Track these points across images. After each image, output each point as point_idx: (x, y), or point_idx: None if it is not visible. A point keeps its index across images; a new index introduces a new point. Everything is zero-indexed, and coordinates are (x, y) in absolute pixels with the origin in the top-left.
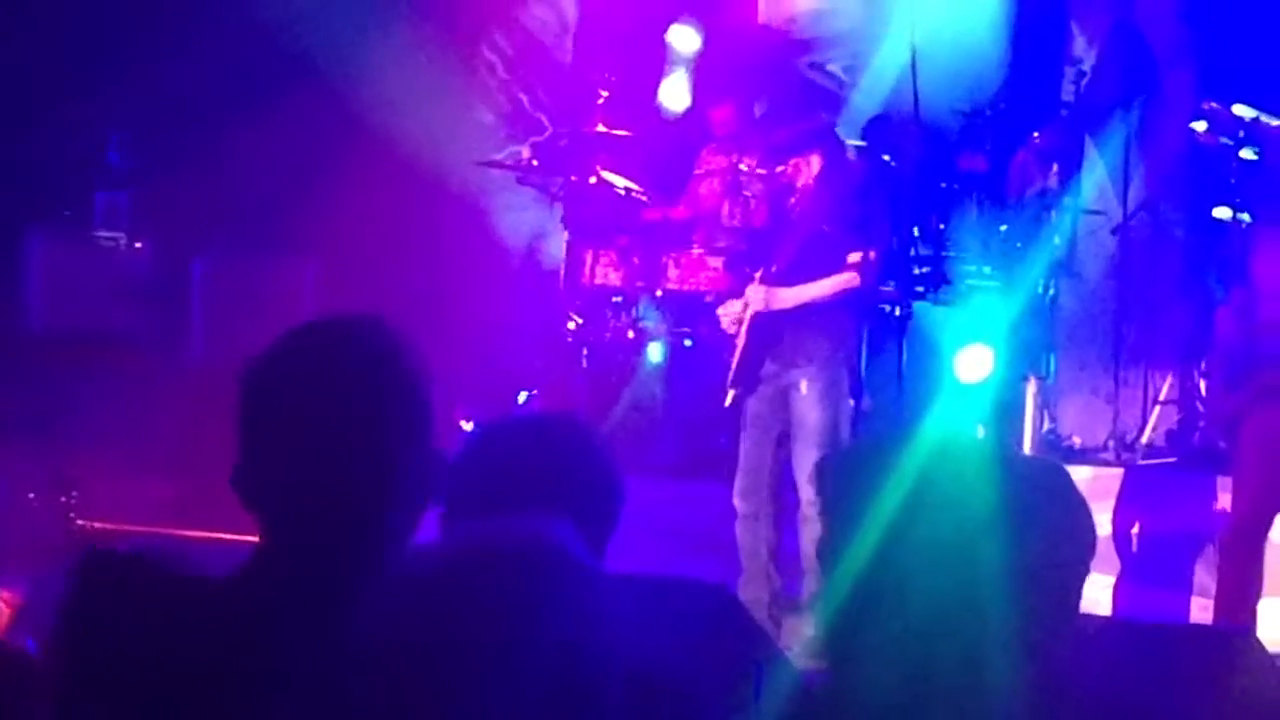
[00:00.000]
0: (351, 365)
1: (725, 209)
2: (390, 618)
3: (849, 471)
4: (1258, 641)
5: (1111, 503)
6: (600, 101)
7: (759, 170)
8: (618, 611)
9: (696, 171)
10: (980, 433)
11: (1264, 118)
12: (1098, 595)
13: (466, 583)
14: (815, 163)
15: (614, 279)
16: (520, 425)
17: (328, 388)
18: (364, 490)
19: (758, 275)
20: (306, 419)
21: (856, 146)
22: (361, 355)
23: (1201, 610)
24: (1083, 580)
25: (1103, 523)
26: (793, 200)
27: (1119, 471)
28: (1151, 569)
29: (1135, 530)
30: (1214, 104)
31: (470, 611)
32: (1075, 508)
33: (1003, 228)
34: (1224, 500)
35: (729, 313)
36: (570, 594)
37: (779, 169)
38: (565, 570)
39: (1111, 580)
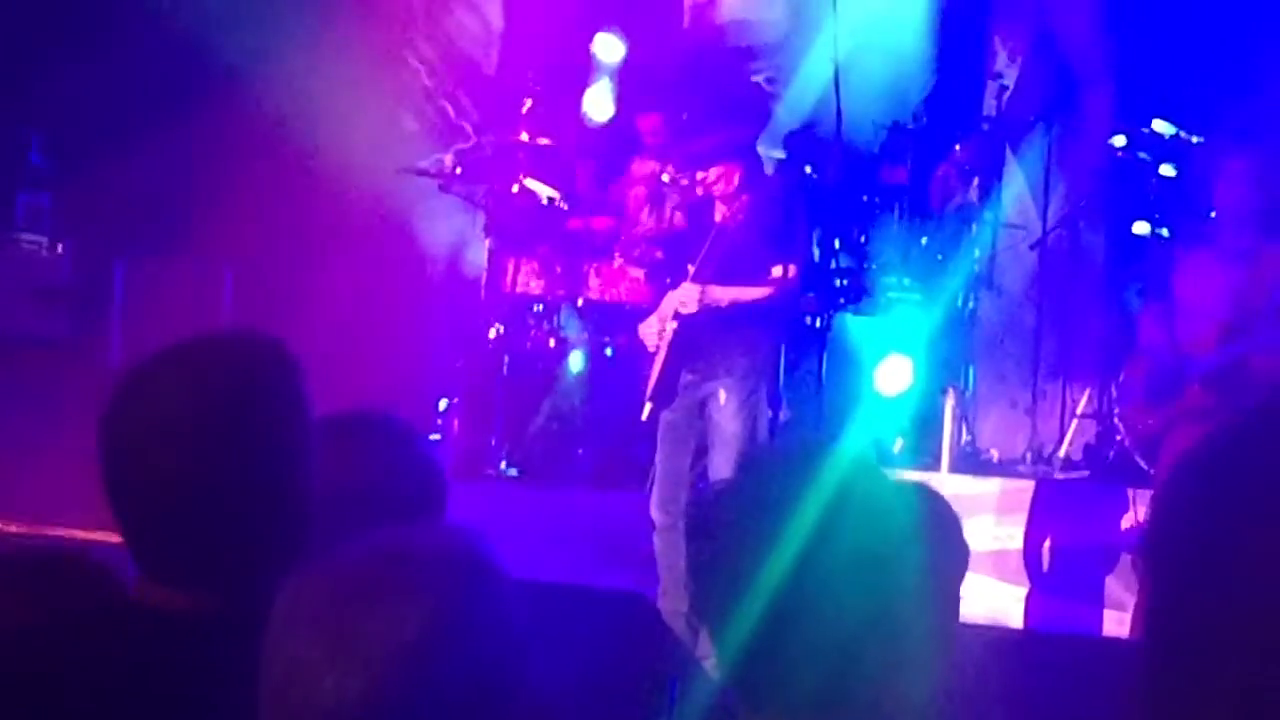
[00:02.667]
0: (201, 393)
1: (647, 219)
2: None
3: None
4: None
5: (1024, 515)
6: (524, 110)
7: (680, 180)
8: (530, 619)
9: (620, 181)
10: (899, 445)
11: (1182, 134)
12: (1009, 607)
13: (376, 585)
14: (734, 174)
15: (535, 287)
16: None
17: (174, 417)
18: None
19: (690, 271)
20: (150, 454)
21: (778, 158)
22: (200, 381)
23: (1116, 624)
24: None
25: (1015, 535)
26: (713, 210)
27: (1030, 484)
28: (1064, 582)
29: (1048, 543)
30: (1132, 121)
31: (381, 615)
32: (956, 524)
33: (923, 240)
34: (1138, 514)
35: (649, 332)
36: (485, 599)
37: (700, 177)
38: (480, 575)
39: (1024, 593)
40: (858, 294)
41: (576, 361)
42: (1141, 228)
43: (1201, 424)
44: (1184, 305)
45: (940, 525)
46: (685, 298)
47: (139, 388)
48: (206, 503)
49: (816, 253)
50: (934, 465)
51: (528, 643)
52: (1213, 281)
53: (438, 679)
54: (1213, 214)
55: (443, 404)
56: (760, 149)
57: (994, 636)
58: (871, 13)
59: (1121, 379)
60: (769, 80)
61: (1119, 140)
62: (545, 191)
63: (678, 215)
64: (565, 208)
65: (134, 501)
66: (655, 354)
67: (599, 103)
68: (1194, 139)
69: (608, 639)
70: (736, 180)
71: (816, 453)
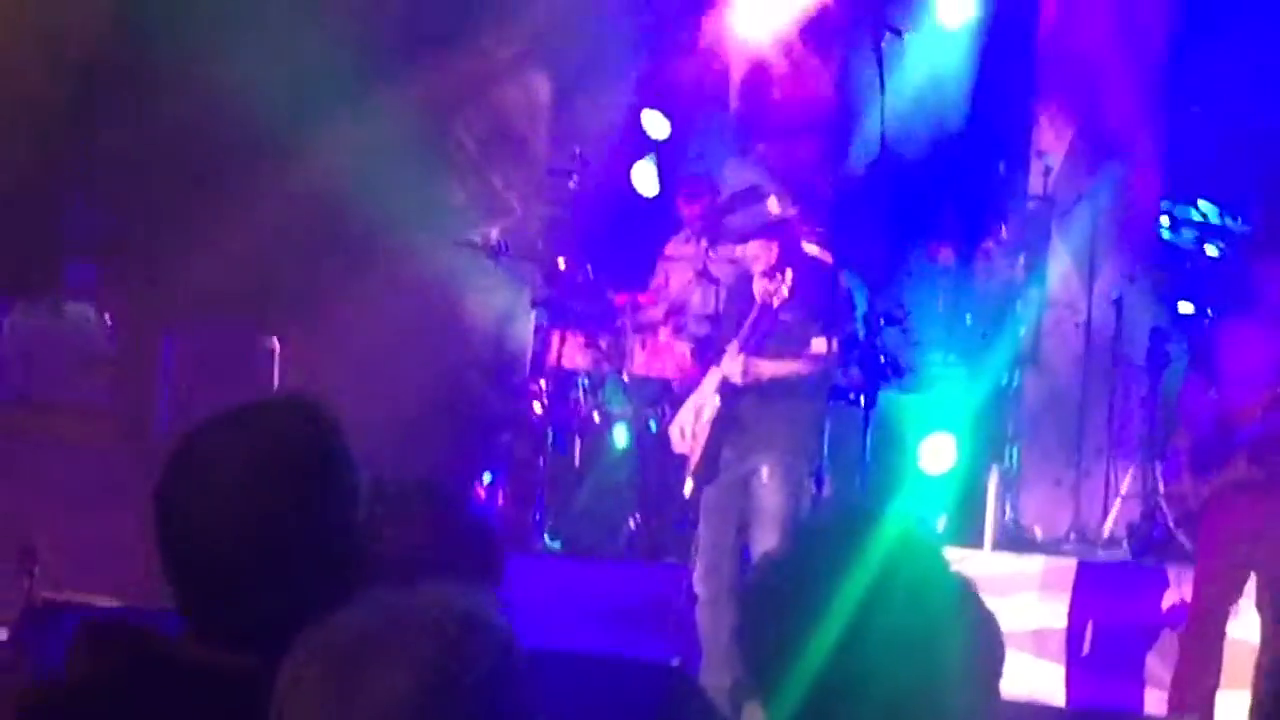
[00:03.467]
0: (244, 452)
1: (693, 295)
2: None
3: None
4: None
5: (1067, 594)
6: (571, 185)
7: (723, 257)
8: (553, 689)
9: (664, 257)
10: (942, 522)
11: (1227, 220)
12: (1051, 686)
13: (373, 648)
14: (773, 250)
15: (581, 361)
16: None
17: (226, 481)
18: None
19: (733, 346)
20: (200, 508)
21: (822, 233)
22: (254, 440)
23: (1157, 702)
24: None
25: (1058, 614)
26: (754, 287)
27: (1073, 562)
28: (1106, 660)
29: (1090, 622)
30: (1178, 201)
31: (375, 676)
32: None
33: (968, 318)
34: (1180, 593)
35: (681, 424)
36: (482, 659)
37: (738, 253)
38: (477, 635)
39: (1065, 671)
40: (901, 370)
41: (621, 436)
42: (1186, 306)
43: (1249, 495)
44: (1228, 377)
45: (981, 616)
46: (731, 369)
47: (191, 453)
48: (258, 564)
49: (860, 329)
50: (977, 543)
51: (530, 702)
52: (1257, 352)
53: None
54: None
55: (487, 478)
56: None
57: (1035, 713)
58: (918, 91)
59: (1166, 456)
60: (815, 158)
61: (1165, 221)
62: (590, 266)
63: (720, 292)
64: (612, 283)
65: (187, 562)
66: (695, 429)
67: (646, 178)
68: (1237, 222)
69: (649, 713)
70: (774, 255)
71: (866, 524)
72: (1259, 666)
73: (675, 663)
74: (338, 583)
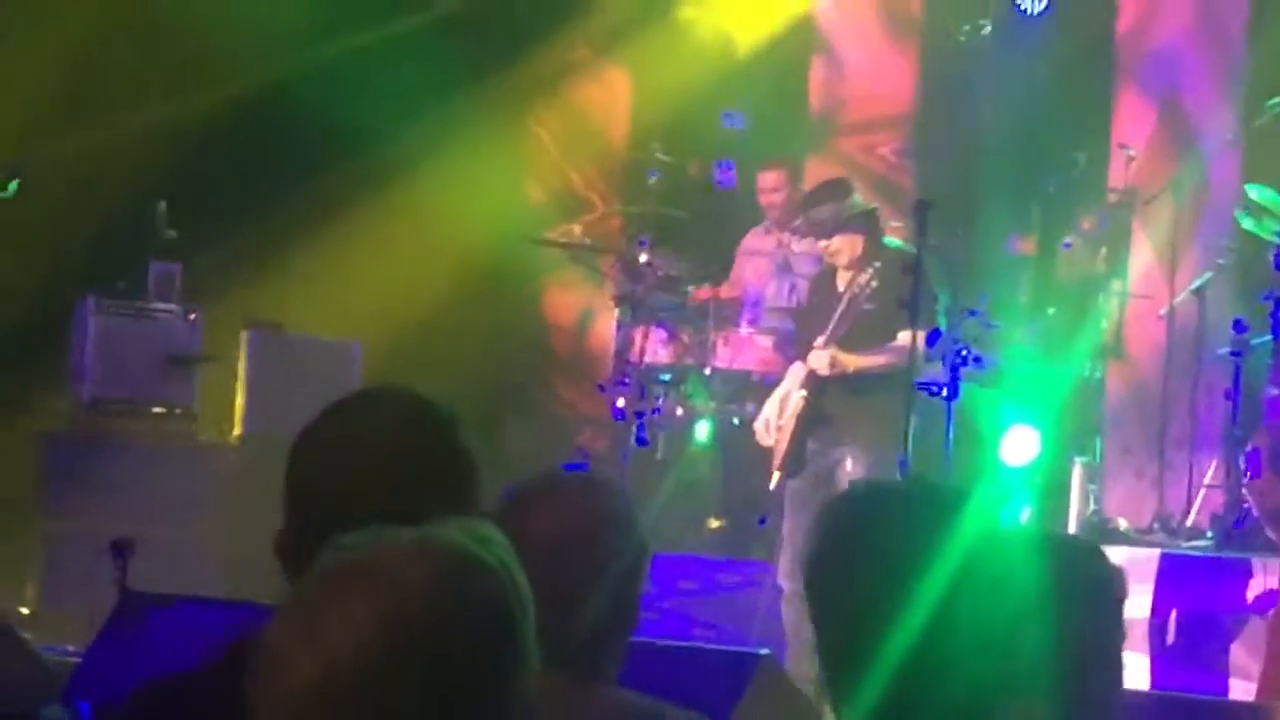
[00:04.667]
0: (387, 431)
1: (772, 288)
2: None
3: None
4: None
5: (1150, 585)
6: (651, 181)
7: (805, 250)
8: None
9: (744, 251)
10: (1026, 515)
11: None
12: (1135, 676)
13: (344, 580)
14: (858, 243)
15: (663, 356)
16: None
17: (360, 451)
18: None
19: (820, 340)
20: (341, 483)
21: (904, 227)
22: (399, 422)
23: (1242, 693)
24: (1120, 657)
25: (1142, 605)
26: (836, 280)
27: (1157, 553)
28: (1190, 650)
29: (1174, 613)
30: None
31: (342, 605)
32: (1109, 582)
33: (1050, 310)
34: (1266, 583)
35: (766, 418)
36: (453, 600)
37: (822, 246)
38: (453, 576)
39: (1149, 662)
40: (984, 363)
41: (704, 430)
42: (1268, 296)
43: None
44: None
45: (1085, 588)
46: (818, 362)
47: (325, 424)
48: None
49: (944, 322)
50: None
51: (507, 646)
52: None
53: (392, 670)
54: None
55: None
56: (884, 219)
57: (1123, 701)
58: (998, 83)
59: (1249, 449)
60: (895, 152)
61: (1246, 210)
62: (672, 261)
63: (802, 285)
64: (693, 277)
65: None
66: (780, 422)
67: (726, 174)
68: None
69: (736, 697)
70: (860, 249)
71: (932, 494)
72: None
73: (764, 652)
74: None
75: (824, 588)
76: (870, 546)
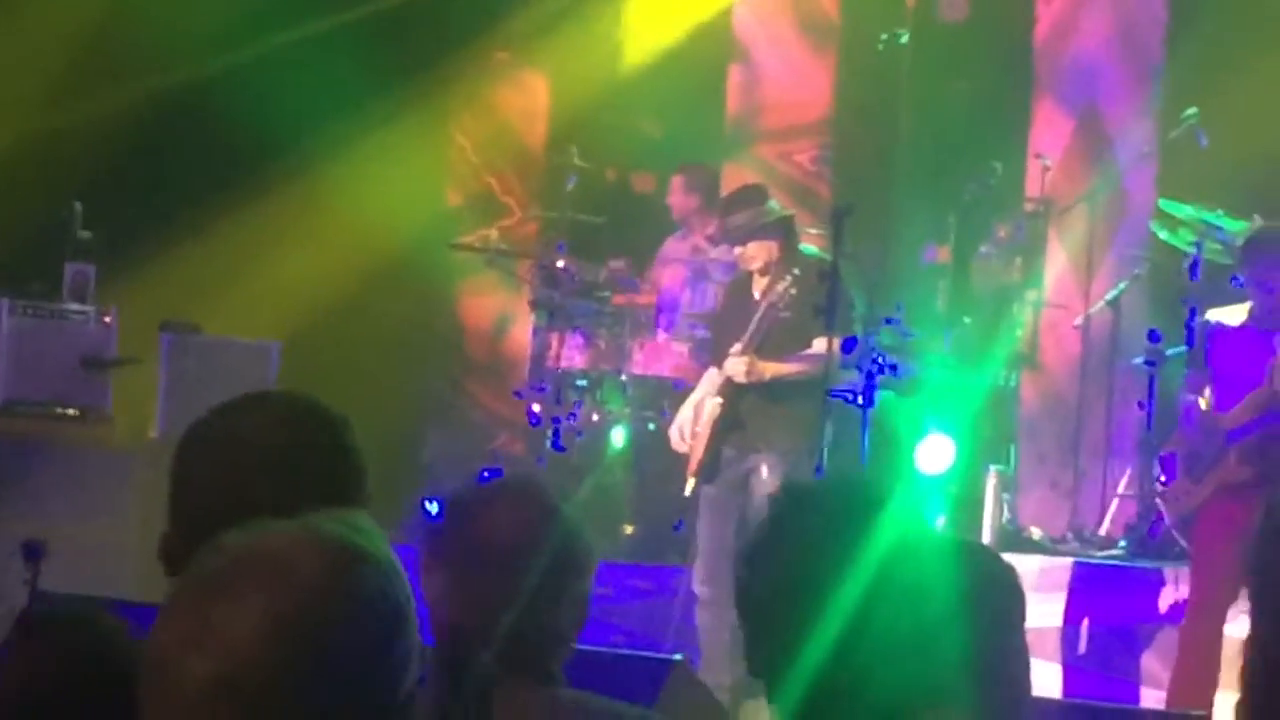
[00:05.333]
0: (271, 430)
1: (688, 295)
2: None
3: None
4: None
5: (1063, 594)
6: (568, 186)
7: (720, 256)
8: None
9: (661, 257)
10: (940, 523)
11: (1222, 215)
12: (1047, 685)
13: (231, 577)
14: (773, 249)
15: (579, 362)
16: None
17: (244, 451)
18: None
19: (737, 346)
20: (226, 483)
21: (821, 234)
22: (284, 421)
23: (1154, 701)
24: (1028, 664)
25: (1054, 613)
26: (752, 286)
27: (1069, 562)
28: (1103, 659)
29: (1086, 622)
30: (1175, 201)
31: (231, 604)
32: (1013, 591)
33: (966, 319)
34: (1177, 593)
35: (680, 424)
36: (343, 593)
37: (737, 253)
38: (342, 569)
39: (1061, 671)
40: (899, 371)
41: (619, 436)
42: (1182, 306)
43: (1242, 496)
44: (1221, 378)
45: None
46: (735, 369)
47: (210, 425)
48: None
49: (859, 329)
50: None
51: (398, 638)
52: (1246, 352)
53: (287, 665)
54: (1249, 291)
55: (485, 477)
56: (800, 226)
57: (1034, 707)
58: (919, 93)
59: (1162, 456)
60: (812, 159)
61: (1160, 222)
62: (589, 267)
63: (718, 291)
64: (609, 283)
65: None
66: (695, 428)
67: (643, 179)
68: (1233, 222)
69: (651, 703)
70: (775, 255)
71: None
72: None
73: (678, 658)
74: None
75: (749, 585)
76: (792, 547)
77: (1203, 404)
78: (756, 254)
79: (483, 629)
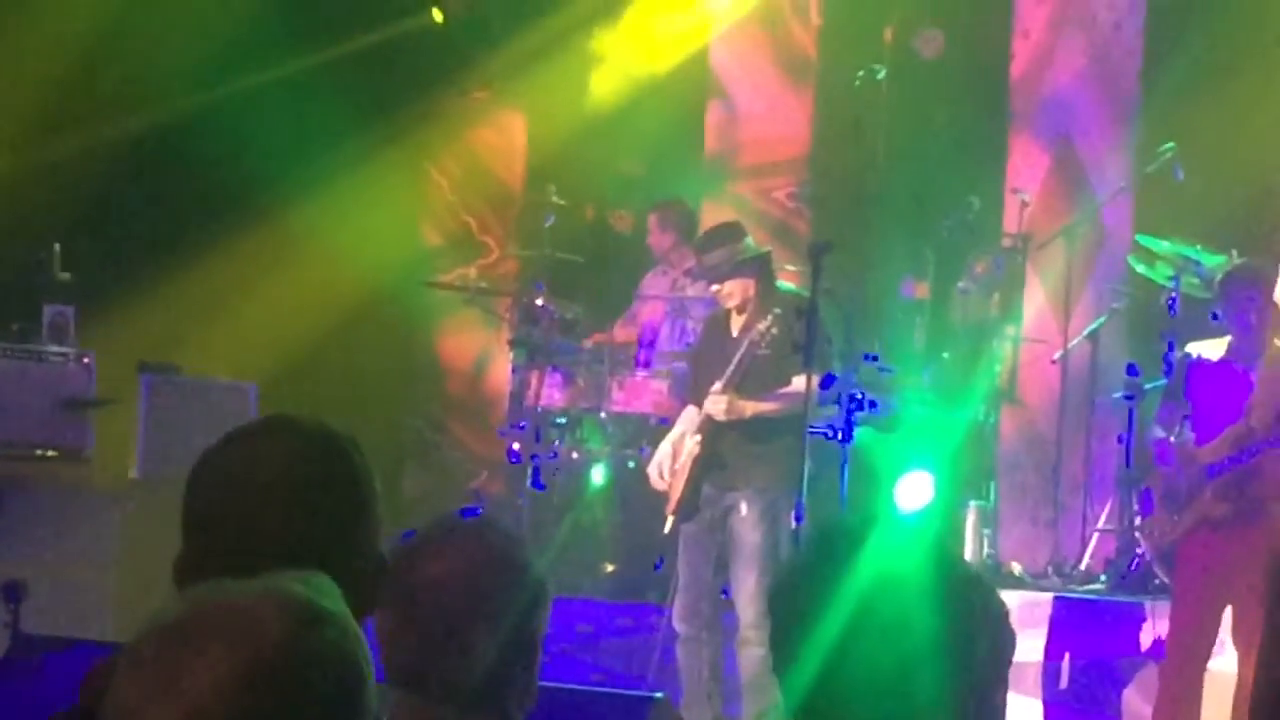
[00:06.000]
0: (287, 459)
1: (666, 331)
2: None
3: (794, 594)
4: None
5: (1044, 629)
6: (547, 225)
7: (698, 294)
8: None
9: (639, 295)
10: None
11: (1200, 250)
12: None
13: (196, 630)
14: (749, 287)
15: (559, 400)
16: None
17: (260, 478)
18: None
19: (717, 385)
20: (234, 509)
21: (799, 271)
22: (299, 449)
23: None
24: (1003, 695)
25: (1035, 649)
26: (730, 324)
27: (1050, 597)
28: (1084, 694)
29: (1067, 656)
30: (1152, 236)
31: (196, 657)
32: (1001, 624)
33: (944, 355)
34: (1158, 627)
35: (660, 462)
36: (308, 646)
37: (714, 290)
38: (306, 623)
39: (1042, 707)
40: (879, 407)
41: (599, 474)
42: (1161, 340)
43: (1220, 531)
44: (1200, 411)
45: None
46: (715, 407)
47: (221, 451)
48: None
49: (838, 366)
50: None
51: (359, 695)
52: (1226, 390)
53: (247, 718)
54: (1226, 326)
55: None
56: (778, 263)
57: None
58: (896, 128)
59: (1141, 491)
60: (790, 195)
61: (1138, 256)
62: (568, 305)
63: (696, 329)
64: (589, 321)
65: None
66: (674, 466)
67: (622, 219)
68: (1211, 256)
69: None
70: (752, 292)
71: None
72: (1237, 705)
73: (659, 695)
74: (364, 590)
75: (772, 619)
76: (803, 583)
77: (1173, 439)
78: (733, 291)
79: (425, 670)
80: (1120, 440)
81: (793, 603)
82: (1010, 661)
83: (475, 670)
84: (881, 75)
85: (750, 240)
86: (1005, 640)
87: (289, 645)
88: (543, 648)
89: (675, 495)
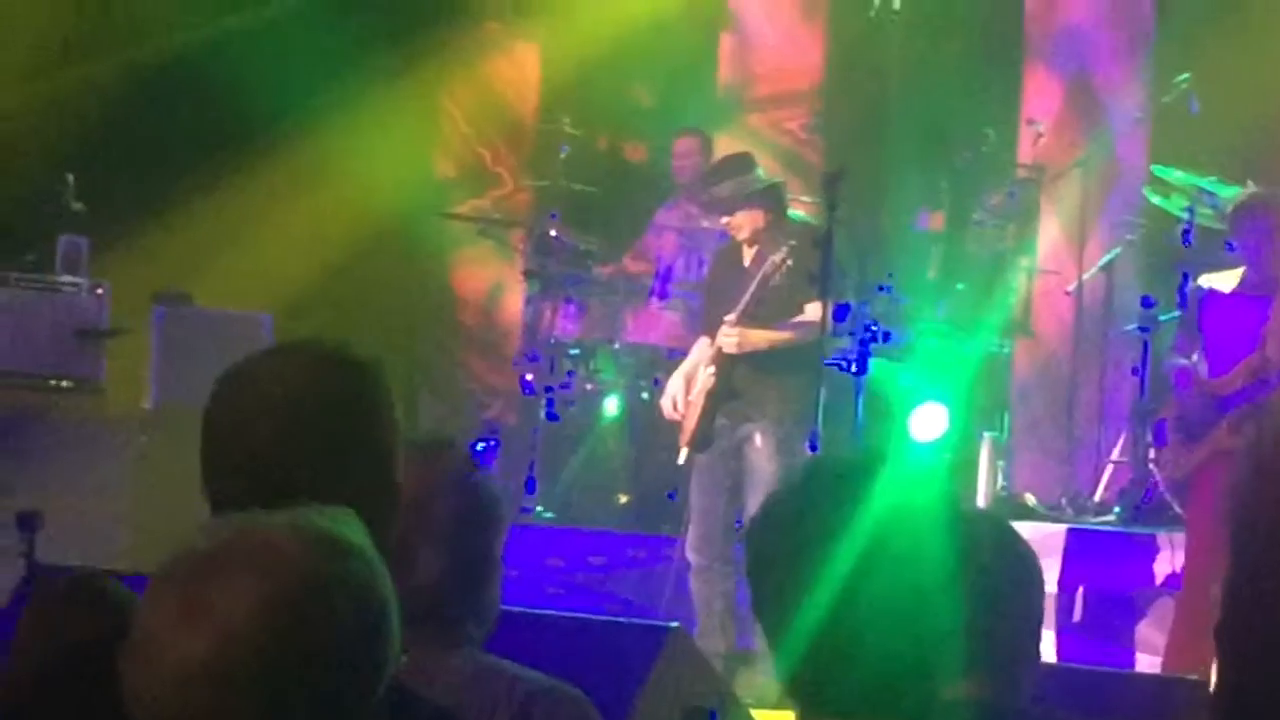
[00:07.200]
0: (301, 381)
1: (680, 263)
2: None
3: (786, 526)
4: (1209, 692)
5: (1057, 560)
6: (561, 156)
7: (710, 225)
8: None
9: (653, 225)
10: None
11: (1215, 181)
12: (1043, 650)
13: (224, 560)
14: (760, 218)
15: (572, 331)
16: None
17: (273, 401)
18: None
19: (730, 316)
20: (252, 435)
21: (812, 201)
22: (311, 372)
23: (1149, 667)
24: (1036, 632)
25: (1049, 580)
26: (742, 255)
27: (1064, 528)
28: (1096, 626)
29: (1081, 589)
30: (1167, 167)
31: (224, 586)
32: (1023, 561)
33: (959, 286)
34: (1172, 559)
35: (673, 394)
36: (335, 579)
37: (725, 222)
38: (333, 556)
39: (1055, 637)
40: (892, 338)
41: (613, 405)
42: (1175, 271)
43: (1229, 463)
44: (1214, 343)
45: (1009, 566)
46: (728, 341)
47: (239, 375)
48: (307, 490)
49: (852, 297)
50: None
51: (383, 628)
52: (1241, 321)
53: (277, 648)
54: (1241, 257)
55: (479, 446)
56: (791, 193)
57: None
58: (911, 60)
59: (1155, 422)
60: (804, 126)
61: (1153, 188)
62: (582, 236)
63: (708, 259)
64: (603, 252)
65: (233, 481)
66: (688, 397)
67: (635, 148)
68: (1225, 187)
69: (647, 668)
70: (762, 224)
71: (862, 471)
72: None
73: (673, 625)
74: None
75: (757, 551)
76: (797, 514)
77: (1191, 365)
78: (743, 223)
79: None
80: (1134, 372)
81: (773, 542)
82: (1039, 596)
83: (422, 588)
84: (896, 5)
85: (761, 171)
86: (1026, 573)
87: (314, 576)
88: (501, 569)
89: (689, 426)
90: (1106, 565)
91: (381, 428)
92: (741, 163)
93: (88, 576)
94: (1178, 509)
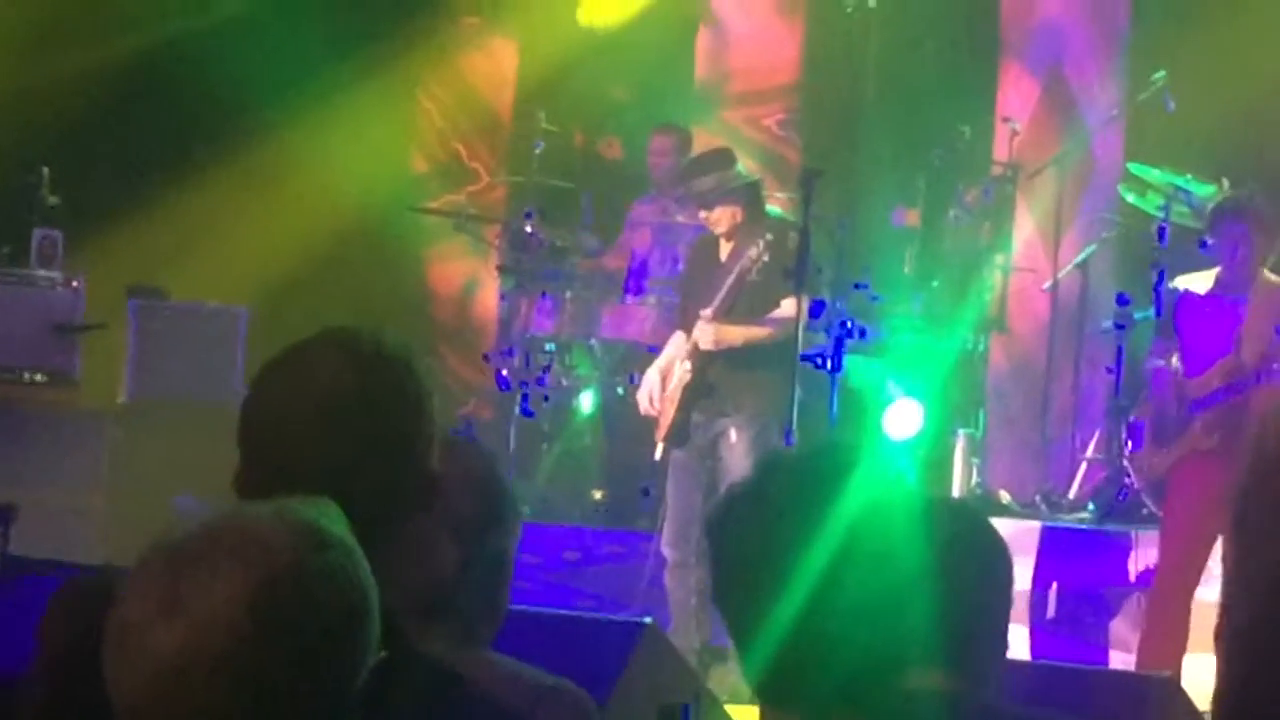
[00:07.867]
0: (340, 375)
1: (655, 257)
2: None
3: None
4: (1182, 689)
5: (1031, 557)
6: (537, 151)
7: (687, 220)
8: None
9: (630, 221)
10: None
11: (1190, 180)
12: (1017, 647)
13: (205, 551)
14: (738, 214)
15: (548, 327)
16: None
17: (310, 394)
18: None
19: (706, 313)
20: (286, 420)
21: (789, 197)
22: (353, 366)
23: (1122, 665)
24: (1005, 621)
25: (1022, 577)
26: (719, 250)
27: (1038, 525)
28: (1070, 623)
29: (1055, 585)
30: (1143, 165)
31: (203, 577)
32: (994, 552)
33: (934, 283)
34: (1146, 557)
35: (649, 389)
36: (317, 571)
37: (703, 217)
38: (316, 548)
39: (1029, 634)
40: (868, 335)
41: (589, 400)
42: (1151, 270)
43: (1208, 463)
44: (1190, 345)
45: (972, 558)
46: (704, 337)
47: (278, 365)
48: (341, 481)
49: (827, 293)
50: None
51: (364, 619)
52: (1216, 322)
53: (258, 638)
54: (1216, 257)
55: None
56: (768, 189)
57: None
58: (887, 56)
59: (1131, 421)
60: (780, 123)
61: (1128, 185)
62: (557, 232)
63: (684, 254)
64: (576, 247)
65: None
66: (664, 394)
67: (610, 144)
68: (1201, 186)
69: (620, 665)
70: (740, 219)
71: (831, 460)
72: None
73: (647, 621)
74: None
75: (720, 548)
76: (764, 510)
77: (1169, 367)
78: (721, 218)
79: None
80: (1109, 370)
81: (737, 538)
82: (1009, 589)
83: (441, 582)
84: (872, 2)
85: (741, 167)
86: (998, 567)
87: (297, 567)
88: (513, 569)
89: (665, 422)
90: (1080, 562)
91: (419, 418)
92: (722, 158)
93: (115, 573)
94: (1153, 508)
